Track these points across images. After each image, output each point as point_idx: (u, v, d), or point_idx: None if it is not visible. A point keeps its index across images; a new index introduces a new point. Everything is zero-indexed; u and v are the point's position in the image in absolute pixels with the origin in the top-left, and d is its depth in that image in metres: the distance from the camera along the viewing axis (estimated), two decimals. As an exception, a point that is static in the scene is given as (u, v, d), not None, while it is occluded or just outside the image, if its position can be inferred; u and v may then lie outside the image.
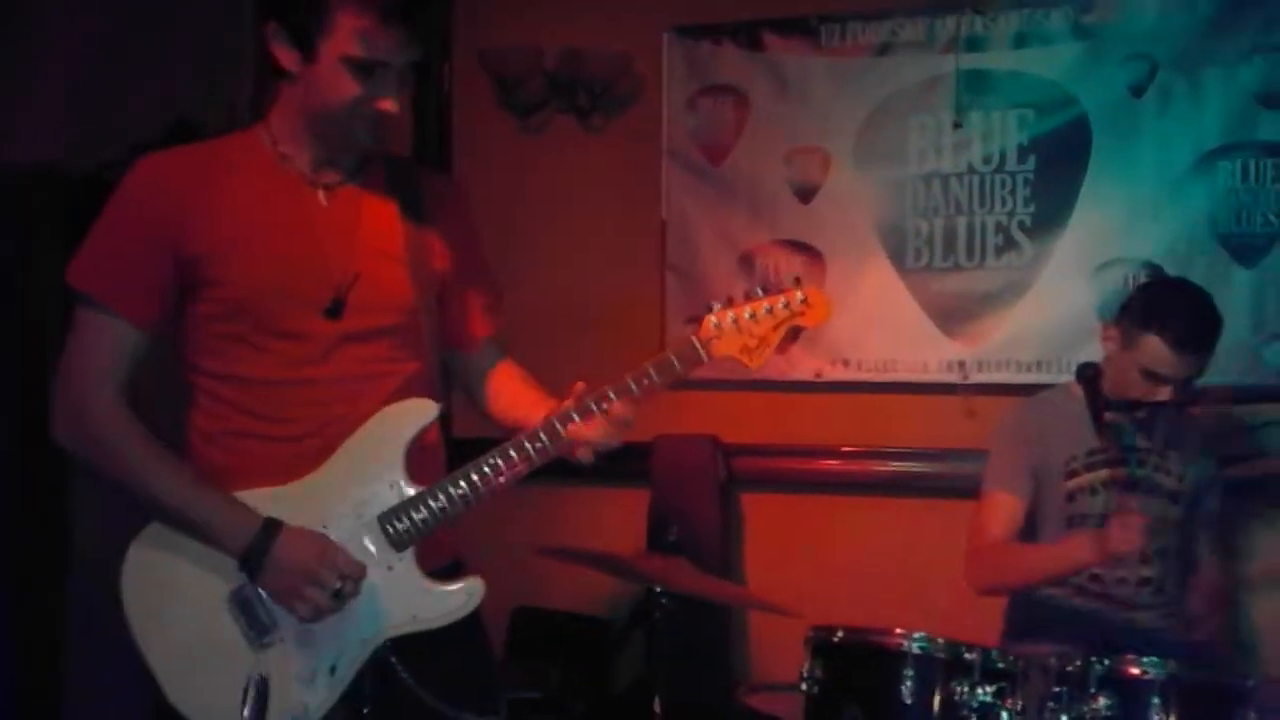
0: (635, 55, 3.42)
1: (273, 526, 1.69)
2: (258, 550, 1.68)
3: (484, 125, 3.54)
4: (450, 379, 1.94)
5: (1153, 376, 2.48)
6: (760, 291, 1.78)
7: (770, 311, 1.77)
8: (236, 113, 3.10)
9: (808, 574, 3.18)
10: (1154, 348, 2.45)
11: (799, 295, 1.78)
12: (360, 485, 1.73)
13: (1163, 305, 2.50)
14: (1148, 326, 2.46)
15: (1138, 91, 3.04)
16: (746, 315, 1.76)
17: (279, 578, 1.68)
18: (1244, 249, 2.96)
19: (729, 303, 1.78)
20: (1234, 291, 2.90)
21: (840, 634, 2.16)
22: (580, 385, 1.76)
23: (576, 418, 1.73)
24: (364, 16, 1.66)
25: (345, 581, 1.68)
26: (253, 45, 3.04)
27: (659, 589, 2.45)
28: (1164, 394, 2.47)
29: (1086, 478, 2.60)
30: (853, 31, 3.27)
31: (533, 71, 3.47)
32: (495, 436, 1.80)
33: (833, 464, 3.26)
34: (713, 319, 1.76)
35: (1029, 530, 2.63)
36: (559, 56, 3.45)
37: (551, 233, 3.49)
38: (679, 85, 3.41)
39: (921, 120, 3.21)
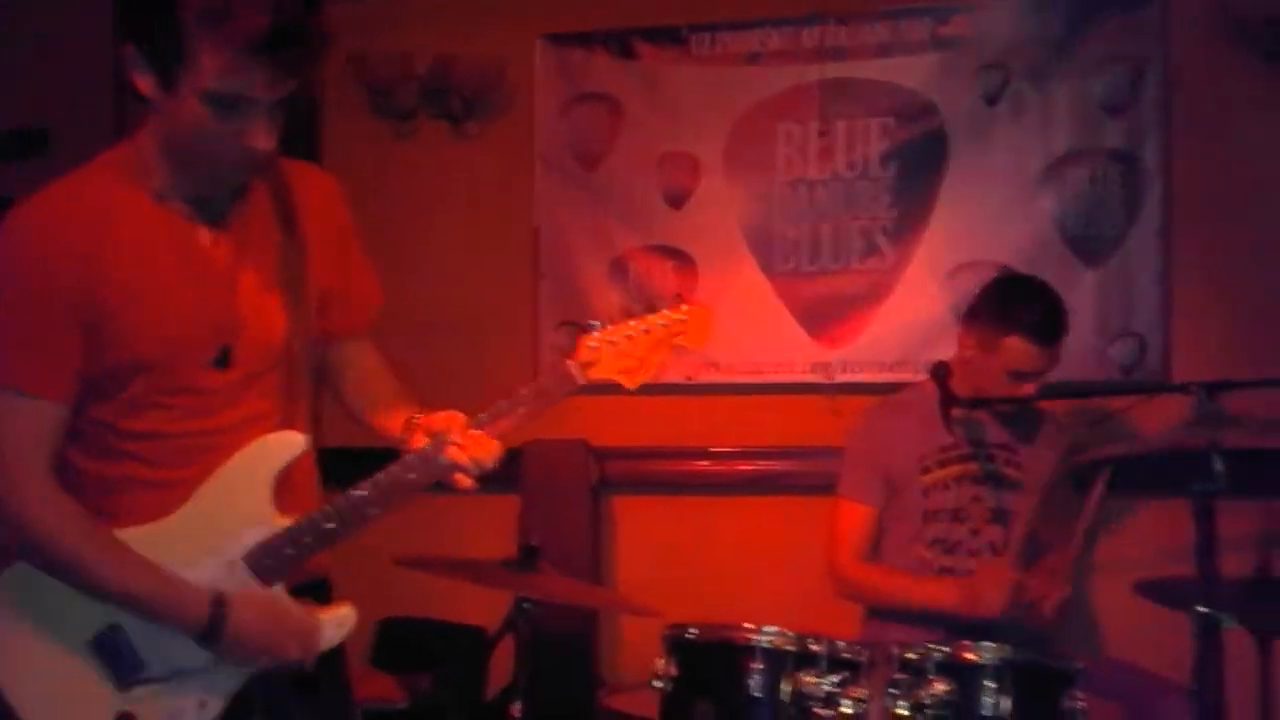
0: (508, 62, 3.43)
1: (220, 604, 1.64)
2: (214, 630, 1.63)
3: (354, 130, 3.52)
4: (321, 376, 1.90)
5: (1018, 376, 2.56)
6: (640, 311, 1.76)
7: (649, 332, 1.74)
8: (97, 130, 3.01)
9: (680, 575, 3.20)
10: (1016, 348, 2.53)
11: (679, 315, 1.76)
12: (226, 521, 1.68)
13: (1017, 306, 2.58)
14: (1007, 329, 2.55)
15: (992, 100, 3.14)
16: (625, 336, 1.74)
17: (239, 650, 1.65)
18: (1090, 251, 3.07)
19: (607, 323, 1.75)
20: (1081, 292, 3.01)
21: (694, 631, 2.17)
22: (459, 416, 1.73)
23: (453, 446, 1.69)
24: (225, 49, 1.53)
25: (302, 646, 1.67)
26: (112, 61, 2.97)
27: (522, 596, 2.45)
28: (1029, 390, 2.56)
29: (940, 474, 2.67)
30: (722, 41, 3.33)
31: (403, 78, 3.46)
32: (366, 446, 1.79)
33: (703, 465, 3.30)
34: (590, 340, 1.72)
35: (886, 524, 2.71)
36: (430, 63, 3.45)
37: (424, 239, 3.47)
38: (552, 92, 3.43)
39: (789, 128, 3.27)
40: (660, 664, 2.15)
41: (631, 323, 1.74)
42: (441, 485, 1.74)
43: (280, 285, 1.72)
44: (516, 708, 2.45)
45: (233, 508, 1.68)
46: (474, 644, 3.28)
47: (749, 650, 2.06)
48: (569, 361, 1.73)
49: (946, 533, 2.66)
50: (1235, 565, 2.29)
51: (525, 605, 2.43)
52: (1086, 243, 3.07)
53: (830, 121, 3.23)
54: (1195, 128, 3.03)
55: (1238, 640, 2.25)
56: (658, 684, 2.15)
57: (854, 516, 2.71)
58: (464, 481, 1.71)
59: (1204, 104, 3.02)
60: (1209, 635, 2.07)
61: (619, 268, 3.37)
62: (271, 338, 1.71)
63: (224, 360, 1.67)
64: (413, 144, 3.51)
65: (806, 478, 3.13)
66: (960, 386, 2.62)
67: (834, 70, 3.24)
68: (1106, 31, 3.07)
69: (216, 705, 1.67)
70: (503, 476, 3.23)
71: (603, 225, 3.38)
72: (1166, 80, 3.02)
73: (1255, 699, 2.29)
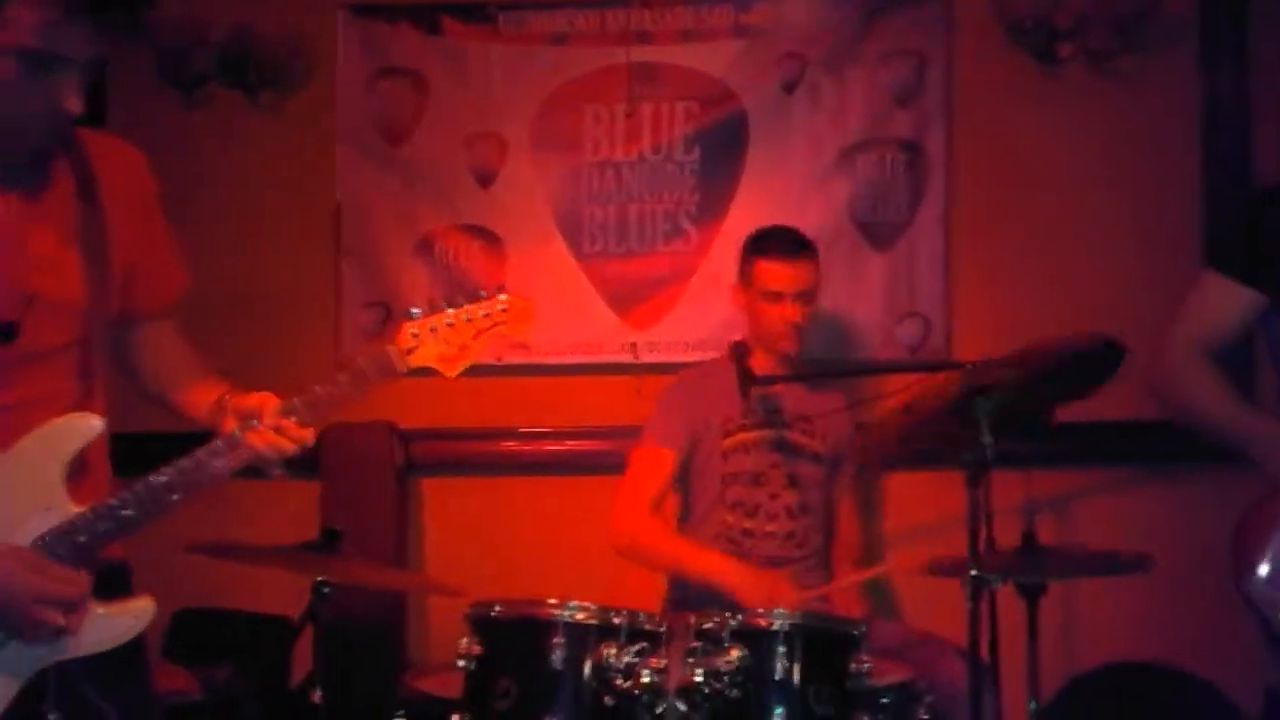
0: (309, 33, 3.32)
1: None
2: None
3: (143, 98, 3.33)
4: (119, 357, 1.81)
5: (774, 296, 2.72)
6: (461, 300, 1.75)
7: (470, 320, 1.73)
8: None
9: (490, 556, 3.21)
10: (762, 270, 2.74)
11: (500, 304, 1.75)
12: (13, 506, 1.59)
13: (757, 237, 2.83)
14: (752, 258, 2.78)
15: (790, 88, 3.25)
16: (446, 323, 1.72)
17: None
18: (879, 236, 3.23)
19: (428, 310, 1.73)
20: (871, 274, 3.17)
21: (497, 609, 2.18)
22: (272, 399, 1.67)
23: (260, 431, 1.65)
24: (44, 6, 1.50)
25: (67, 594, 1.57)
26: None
27: (322, 580, 2.40)
28: (791, 313, 2.70)
29: (740, 437, 2.78)
30: (530, 20, 3.32)
31: (196, 43, 3.30)
32: (165, 431, 1.71)
33: (511, 445, 3.30)
34: (411, 328, 1.70)
35: (684, 486, 2.78)
36: (228, 31, 3.30)
37: (220, 215, 3.32)
38: (355, 66, 3.34)
39: (596, 109, 3.29)
40: (464, 643, 2.15)
41: (452, 310, 1.74)
42: (248, 470, 1.70)
43: (79, 257, 1.64)
44: (317, 694, 2.42)
45: (21, 492, 1.60)
46: (277, 632, 3.20)
47: (551, 625, 2.09)
48: (390, 347, 1.72)
49: (746, 496, 2.76)
50: (1007, 531, 2.46)
51: (325, 590, 2.40)
52: (875, 228, 3.22)
53: (636, 104, 3.27)
54: (975, 121, 3.21)
55: (1009, 601, 2.44)
56: (462, 663, 2.15)
57: (651, 460, 2.76)
58: (272, 468, 1.67)
59: (983, 98, 3.22)
60: (980, 597, 2.24)
61: (425, 247, 3.32)
62: (67, 312, 1.63)
63: (8, 334, 1.58)
64: (206, 115, 3.36)
65: (614, 457, 3.14)
66: (758, 362, 2.74)
67: (640, 54, 3.28)
68: (895, 25, 3.22)
69: (7, 691, 1.58)
70: (305, 460, 3.19)
71: (408, 203, 3.33)
72: (949, 74, 3.20)
73: (1024, 654, 2.47)
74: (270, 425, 1.66)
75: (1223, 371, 2.06)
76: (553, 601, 2.12)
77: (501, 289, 1.78)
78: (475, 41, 3.32)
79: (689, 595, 2.66)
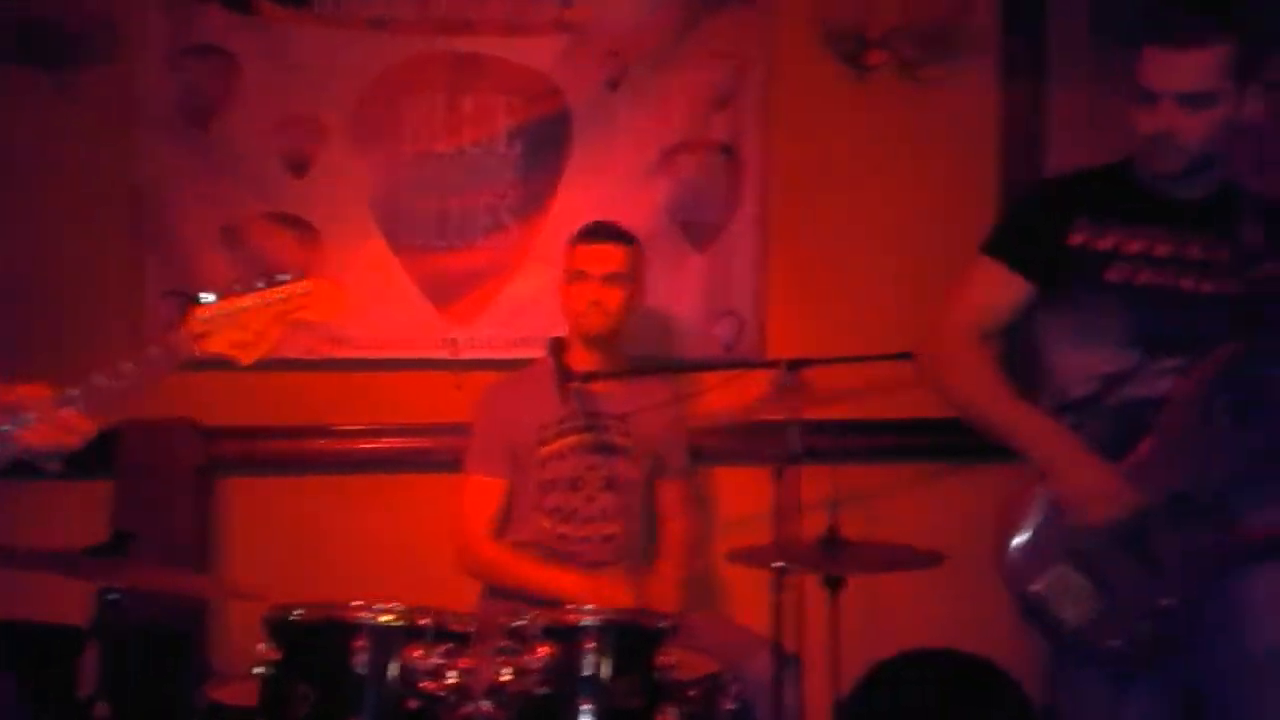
0: (110, 6, 3.13)
1: None
2: None
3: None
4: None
5: (578, 275, 2.75)
6: (259, 283, 1.66)
7: (268, 305, 1.65)
8: None
9: (301, 559, 3.10)
10: (575, 253, 2.78)
11: (301, 287, 1.67)
12: None
13: (580, 227, 2.85)
14: (571, 245, 2.81)
15: (614, 86, 3.26)
16: (241, 308, 1.63)
17: None
18: (698, 236, 3.26)
19: (223, 293, 1.64)
20: (690, 273, 3.21)
21: (298, 613, 2.12)
22: (43, 391, 1.55)
23: (33, 425, 1.53)
24: None
25: None
26: None
27: (108, 586, 2.27)
28: (592, 291, 2.73)
29: (557, 444, 2.77)
30: (348, 3, 3.21)
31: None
32: None
33: (324, 443, 3.20)
34: (203, 312, 1.62)
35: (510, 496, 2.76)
36: (21, 2, 3.08)
37: (11, 198, 3.10)
38: (158, 42, 3.16)
39: (416, 99, 3.22)
40: (262, 649, 2.07)
41: (249, 295, 1.66)
42: (25, 469, 1.58)
43: None
44: (103, 707, 2.29)
45: None
46: (65, 643, 3.01)
47: (355, 629, 2.04)
48: (179, 333, 1.63)
49: (563, 501, 2.75)
50: (813, 525, 2.54)
51: (112, 596, 2.27)
52: (694, 228, 3.26)
53: (457, 95, 3.22)
54: (790, 124, 3.29)
55: (814, 592, 2.51)
56: (259, 670, 2.07)
57: (482, 490, 2.75)
58: (49, 464, 1.56)
59: (798, 103, 3.30)
60: (785, 588, 2.31)
61: (233, 235, 3.18)
62: None
63: None
64: (-3, 91, 3.13)
65: (433, 455, 3.12)
66: (576, 358, 2.73)
67: (461, 44, 3.23)
68: (715, 28, 3.25)
69: None
70: (97, 459, 3.02)
71: (215, 189, 3.17)
72: (766, 79, 3.26)
73: (827, 643, 2.55)
74: (44, 418, 1.55)
75: (996, 359, 2.13)
76: (356, 604, 2.07)
77: (303, 273, 1.71)
78: (289, 23, 3.19)
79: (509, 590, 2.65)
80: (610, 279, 2.76)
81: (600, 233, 2.81)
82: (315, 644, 2.09)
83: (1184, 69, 1.93)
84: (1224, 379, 1.98)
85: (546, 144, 3.23)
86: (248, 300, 1.67)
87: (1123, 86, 2.04)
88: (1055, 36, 3.32)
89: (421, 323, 3.21)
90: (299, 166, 3.21)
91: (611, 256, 2.77)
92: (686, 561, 2.91)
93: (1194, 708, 2.04)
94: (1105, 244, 2.05)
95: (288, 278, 1.71)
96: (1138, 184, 2.08)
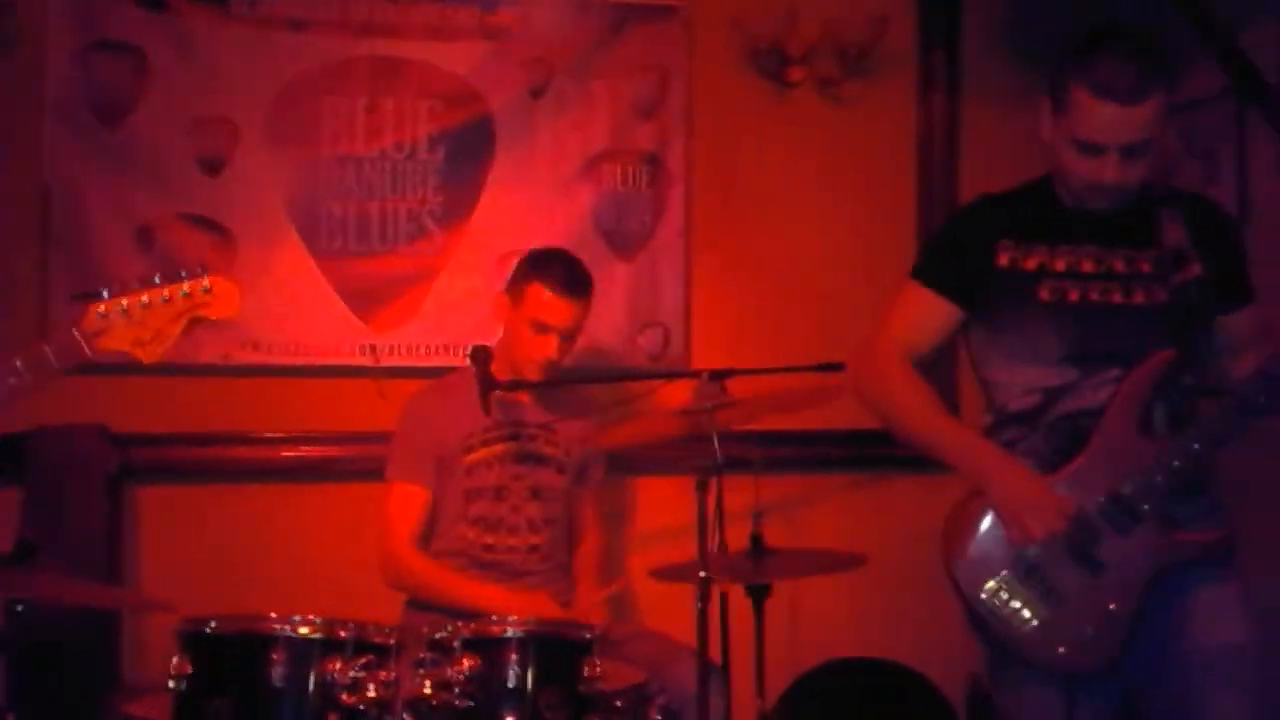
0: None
1: None
2: None
3: None
4: None
5: (541, 327, 2.67)
6: (157, 279, 1.61)
7: (168, 301, 1.60)
8: None
9: (217, 569, 3.02)
10: (537, 296, 2.67)
11: (202, 284, 1.62)
12: None
13: (541, 259, 2.75)
14: (530, 279, 2.69)
15: (537, 94, 3.25)
16: (140, 304, 1.58)
17: None
18: (623, 246, 3.28)
19: (120, 290, 1.59)
20: (614, 284, 3.21)
21: (212, 625, 2.06)
22: None
23: None
24: None
25: None
26: None
27: (13, 598, 2.19)
28: (552, 348, 2.67)
29: (482, 452, 2.74)
30: (265, 3, 3.16)
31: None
32: None
33: (244, 451, 3.12)
34: (99, 308, 1.57)
35: (434, 505, 2.73)
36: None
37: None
38: (66, 37, 3.07)
39: (335, 101, 3.17)
40: (175, 662, 2.01)
41: (147, 291, 1.61)
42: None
43: None
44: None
45: None
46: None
47: (271, 641, 1.99)
48: (74, 330, 1.57)
49: (489, 510, 2.73)
50: (737, 535, 2.56)
51: (18, 608, 2.19)
52: (619, 237, 3.27)
53: (378, 99, 3.18)
54: (714, 137, 3.33)
55: (740, 603, 2.53)
56: (172, 684, 2.01)
57: (406, 498, 2.71)
58: None
59: (722, 116, 3.33)
60: (709, 598, 2.31)
61: (145, 237, 3.09)
62: None
63: None
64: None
65: (354, 463, 3.07)
66: (501, 369, 2.71)
67: (383, 48, 3.19)
68: (639, 39, 3.28)
69: None
70: (3, 465, 2.91)
71: (127, 189, 3.08)
72: (689, 91, 3.29)
73: (752, 650, 2.58)
74: None
75: (925, 377, 2.16)
76: (273, 615, 2.02)
77: (204, 269, 1.67)
78: (202, 21, 3.12)
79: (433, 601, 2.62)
80: (568, 333, 2.71)
81: (574, 287, 2.69)
82: (231, 657, 2.03)
83: (1131, 125, 1.97)
84: (1158, 386, 2.03)
85: (469, 150, 3.21)
86: (146, 297, 1.63)
87: (1045, 113, 2.07)
88: (970, 55, 3.40)
89: (341, 329, 3.16)
90: (213, 167, 3.14)
91: (578, 313, 2.71)
92: (601, 578, 2.90)
93: (1131, 709, 2.09)
94: (1031, 264, 2.09)
95: (187, 275, 1.67)
96: (1058, 202, 2.12)
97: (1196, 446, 2.00)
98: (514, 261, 2.91)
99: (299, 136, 3.16)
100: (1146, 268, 2.08)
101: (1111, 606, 2.00)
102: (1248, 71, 2.89)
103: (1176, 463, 2.00)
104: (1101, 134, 1.99)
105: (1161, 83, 1.98)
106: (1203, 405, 2.07)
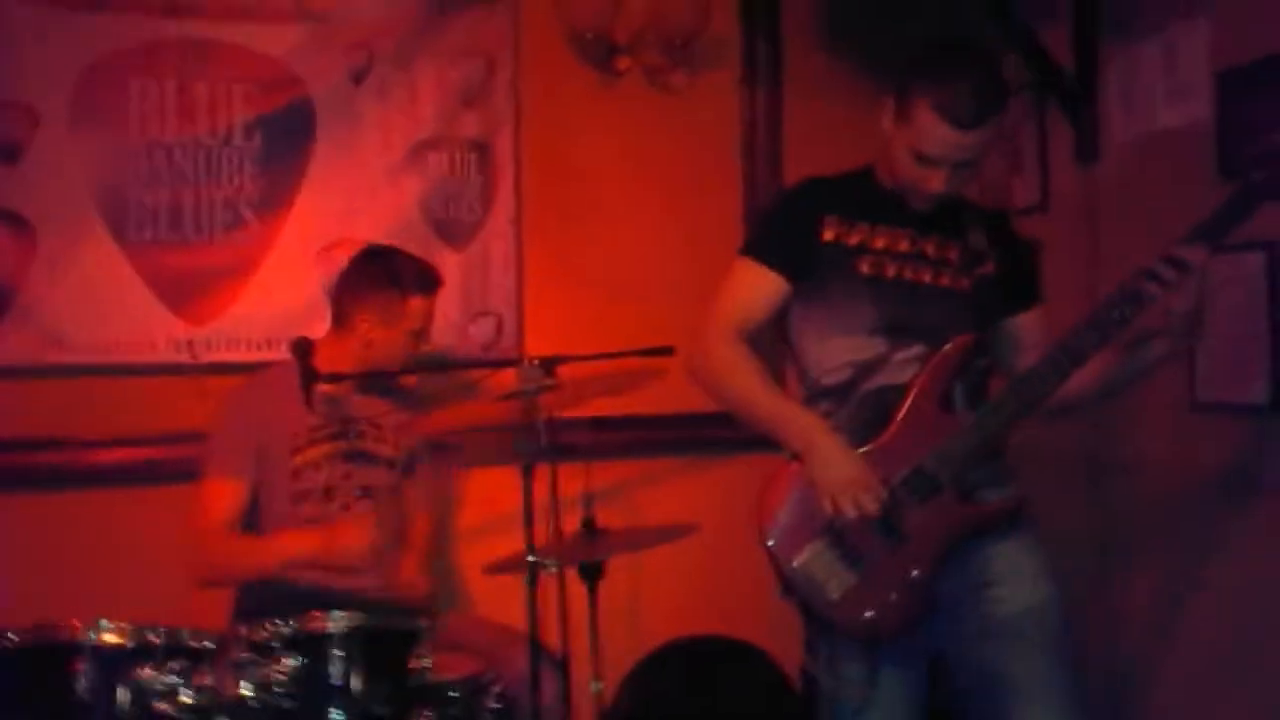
0: None
1: None
2: None
3: None
4: None
5: (417, 335, 2.67)
6: None
7: None
8: None
9: (27, 582, 2.83)
10: (415, 306, 2.69)
11: None
12: None
13: (409, 270, 2.75)
14: (401, 291, 2.71)
15: (359, 79, 3.17)
16: None
17: None
18: (453, 234, 3.23)
19: None
20: (446, 273, 3.11)
21: (11, 637, 1.94)
22: None
23: None
24: None
25: None
26: None
27: None
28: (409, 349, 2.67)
29: (310, 453, 2.66)
30: (62, -18, 2.98)
31: None
32: None
33: (52, 457, 2.94)
34: None
35: (255, 510, 2.63)
36: None
37: None
38: None
39: (144, 84, 3.02)
40: (-24, 680, 1.89)
41: None
42: None
43: None
44: None
45: None
46: None
47: (74, 650, 1.90)
48: None
49: (319, 512, 2.65)
50: (570, 522, 2.56)
51: None
52: (449, 226, 3.23)
53: (189, 82, 3.05)
54: (542, 125, 3.31)
55: (576, 589, 2.53)
56: (-30, 704, 1.90)
57: (220, 493, 2.60)
58: None
59: (549, 104, 3.32)
60: (540, 583, 2.31)
61: (-65, 230, 2.89)
62: None
63: None
64: None
65: (174, 465, 2.91)
66: (324, 362, 2.63)
67: (193, 29, 3.05)
68: (463, 24, 3.22)
69: None
70: None
71: (-88, 178, 2.88)
72: (515, 78, 3.27)
73: (588, 633, 2.58)
74: None
75: (755, 354, 2.22)
76: (76, 623, 1.92)
77: None
78: (-5, -1, 2.93)
79: (264, 601, 2.52)
80: (426, 331, 2.76)
81: (434, 284, 2.75)
82: (32, 670, 1.92)
83: (965, 148, 2.09)
84: (958, 367, 2.16)
85: (288, 136, 3.11)
86: None
87: (888, 111, 2.15)
88: (792, 45, 3.49)
89: (154, 324, 3.02)
90: (10, 154, 2.95)
91: (434, 308, 2.75)
92: (431, 554, 2.86)
93: (938, 669, 2.21)
94: (854, 239, 2.20)
95: None
96: (879, 190, 2.25)
97: (991, 424, 2.10)
98: (337, 252, 2.84)
99: (105, 121, 2.99)
100: (953, 256, 2.22)
101: (914, 574, 2.10)
102: (1047, 67, 3.06)
103: (973, 439, 2.12)
104: (937, 150, 2.10)
105: (1000, 109, 2.10)
106: (993, 386, 2.22)
